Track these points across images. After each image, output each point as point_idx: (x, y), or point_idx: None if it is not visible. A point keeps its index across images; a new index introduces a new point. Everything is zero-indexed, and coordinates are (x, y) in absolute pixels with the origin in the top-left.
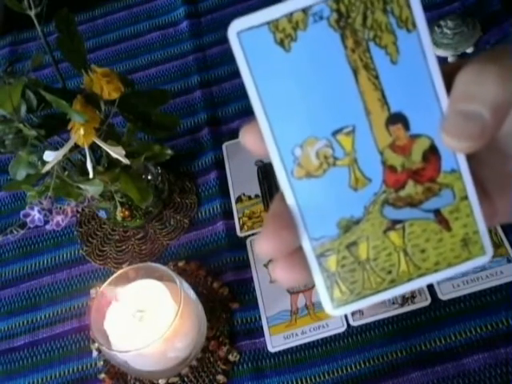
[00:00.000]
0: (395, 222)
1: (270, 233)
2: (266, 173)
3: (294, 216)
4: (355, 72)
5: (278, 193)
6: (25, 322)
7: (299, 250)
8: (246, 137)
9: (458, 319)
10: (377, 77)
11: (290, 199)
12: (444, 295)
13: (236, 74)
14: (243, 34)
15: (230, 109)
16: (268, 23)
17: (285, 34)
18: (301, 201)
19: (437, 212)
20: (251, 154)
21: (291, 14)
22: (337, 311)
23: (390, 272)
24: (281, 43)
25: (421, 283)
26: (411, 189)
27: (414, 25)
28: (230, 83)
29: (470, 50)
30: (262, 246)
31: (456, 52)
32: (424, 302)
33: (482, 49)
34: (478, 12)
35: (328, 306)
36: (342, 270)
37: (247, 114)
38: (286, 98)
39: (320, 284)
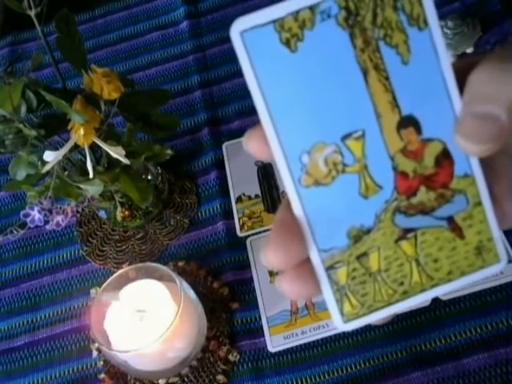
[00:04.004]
0: (407, 230)
1: (276, 244)
2: (266, 173)
3: (302, 226)
4: (365, 73)
5: (284, 201)
6: (25, 322)
7: (307, 261)
8: (251, 142)
9: (457, 319)
10: (387, 78)
11: (297, 209)
12: (444, 295)
13: (236, 74)
14: (247, 33)
15: (229, 109)
16: (273, 22)
17: (291, 33)
18: (309, 210)
19: (450, 219)
20: (256, 158)
21: (298, 12)
22: (347, 326)
23: (402, 283)
24: (287, 43)
25: (434, 294)
26: (423, 195)
27: (426, 22)
28: (230, 83)
29: (469, 50)
30: (269, 259)
31: (456, 52)
32: (424, 302)
33: (482, 49)
34: (477, 12)
35: (338, 321)
36: (352, 283)
37: (247, 114)
38: (293, 102)
39: (329, 298)
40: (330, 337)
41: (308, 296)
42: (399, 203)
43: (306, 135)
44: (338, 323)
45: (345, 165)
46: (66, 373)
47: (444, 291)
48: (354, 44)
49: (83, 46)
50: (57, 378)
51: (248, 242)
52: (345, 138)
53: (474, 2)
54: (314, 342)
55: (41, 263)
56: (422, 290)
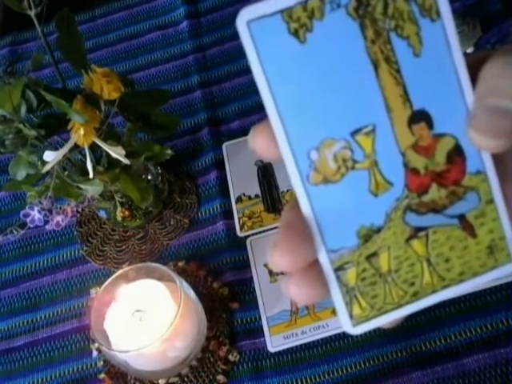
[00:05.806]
0: (418, 229)
1: (283, 246)
2: (266, 173)
3: (310, 226)
4: (375, 65)
5: (290, 200)
6: (25, 322)
7: (315, 263)
8: (257, 138)
9: (457, 319)
10: (398, 71)
11: (305, 207)
12: None
13: (236, 74)
14: (254, 23)
15: (229, 109)
16: (281, 11)
17: (299, 23)
18: (317, 209)
19: (461, 217)
20: (261, 157)
21: (306, 1)
22: (357, 329)
23: (412, 284)
24: (295, 34)
25: (445, 295)
26: (435, 193)
27: (439, 13)
28: (230, 83)
29: (470, 50)
30: (276, 261)
31: None
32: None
33: (483, 49)
34: (477, 12)
35: (347, 324)
36: (361, 284)
37: (247, 114)
38: (301, 95)
39: (338, 300)
40: (330, 337)
41: (316, 299)
42: (410, 201)
43: (314, 130)
44: (346, 327)
45: (354, 161)
46: (66, 373)
47: (455, 293)
48: (364, 35)
49: (83, 46)
50: (57, 377)
51: (248, 242)
52: (354, 133)
53: (474, 2)
54: (313, 341)
55: (41, 263)
56: (433, 291)
